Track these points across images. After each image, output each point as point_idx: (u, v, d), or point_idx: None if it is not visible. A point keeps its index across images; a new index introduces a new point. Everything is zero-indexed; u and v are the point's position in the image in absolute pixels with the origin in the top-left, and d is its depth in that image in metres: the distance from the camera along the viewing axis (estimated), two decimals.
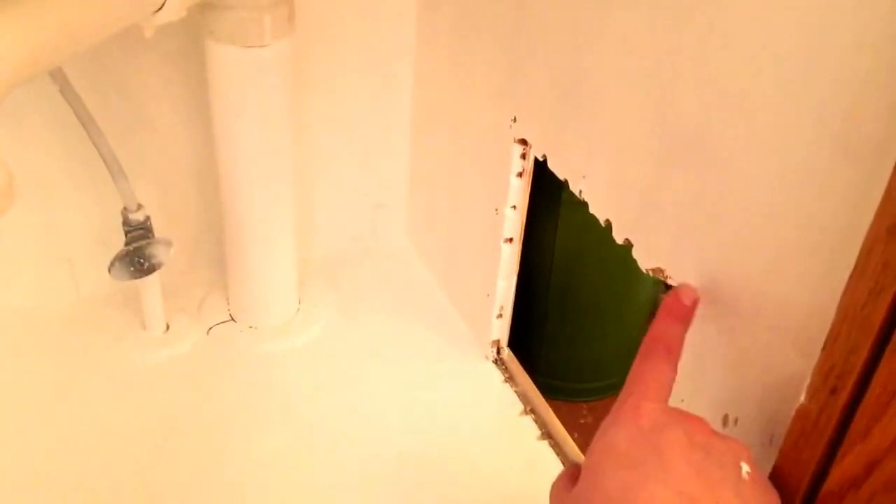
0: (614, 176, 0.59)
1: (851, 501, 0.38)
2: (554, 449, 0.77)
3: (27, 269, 0.85)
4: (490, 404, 0.83)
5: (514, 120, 0.72)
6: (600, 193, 0.62)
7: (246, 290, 0.86)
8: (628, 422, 0.41)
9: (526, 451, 0.77)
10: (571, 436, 0.78)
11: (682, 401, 0.55)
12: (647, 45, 0.53)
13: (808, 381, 0.39)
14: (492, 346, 0.86)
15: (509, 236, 0.79)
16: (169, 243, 0.78)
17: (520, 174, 0.75)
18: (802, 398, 0.39)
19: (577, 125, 0.63)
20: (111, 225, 0.78)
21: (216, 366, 0.83)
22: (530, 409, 0.81)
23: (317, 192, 0.95)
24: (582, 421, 1.36)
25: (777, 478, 0.42)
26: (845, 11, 0.38)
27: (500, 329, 0.86)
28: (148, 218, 0.77)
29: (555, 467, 0.75)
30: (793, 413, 0.40)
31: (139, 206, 0.76)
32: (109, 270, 0.75)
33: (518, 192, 0.76)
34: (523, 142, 0.72)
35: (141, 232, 0.76)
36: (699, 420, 0.42)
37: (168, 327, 0.85)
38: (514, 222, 0.78)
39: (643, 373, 0.44)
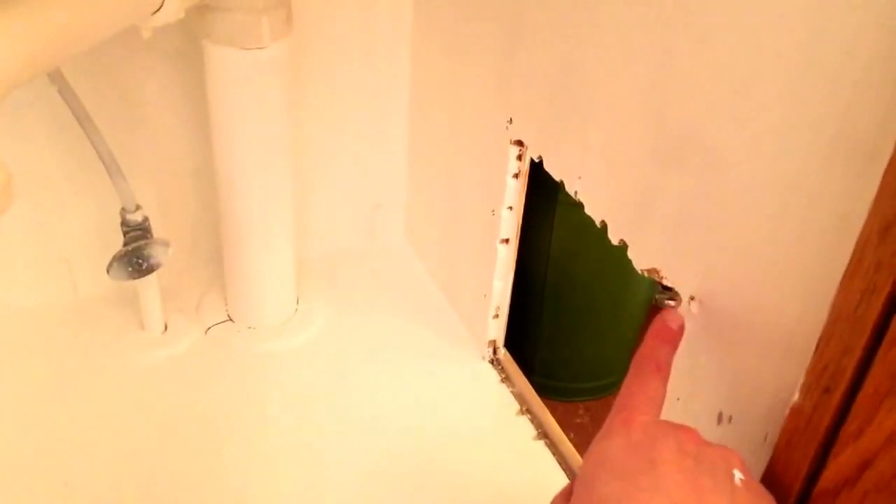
0: (610, 177, 0.60)
1: (845, 500, 0.38)
2: (550, 449, 0.78)
3: (25, 268, 0.86)
4: (486, 404, 0.83)
5: (510, 121, 0.72)
6: (596, 194, 0.62)
7: (244, 291, 0.87)
8: (620, 434, 0.42)
9: (522, 451, 0.78)
10: (567, 436, 0.79)
11: (678, 399, 0.55)
12: (642, 46, 0.53)
13: (801, 380, 0.39)
14: (488, 347, 0.87)
15: (505, 237, 0.79)
16: (167, 244, 0.78)
17: (516, 175, 0.75)
18: (796, 397, 0.40)
19: (572, 126, 0.63)
20: (109, 225, 0.79)
21: (214, 366, 0.83)
22: (526, 410, 0.82)
23: (315, 193, 0.95)
24: (578, 421, 1.36)
25: (771, 476, 0.43)
26: (840, 15, 0.38)
27: (497, 329, 0.86)
28: (146, 218, 0.77)
29: (551, 467, 0.76)
30: (787, 412, 0.41)
31: (137, 207, 0.76)
32: (108, 271, 0.75)
33: (514, 193, 0.76)
34: (519, 143, 0.72)
35: (139, 232, 0.77)
36: (690, 430, 0.42)
37: (166, 327, 0.85)
38: (510, 223, 0.78)
39: (633, 390, 0.45)
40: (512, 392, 0.84)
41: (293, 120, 0.78)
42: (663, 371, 0.46)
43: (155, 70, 0.80)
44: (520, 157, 0.74)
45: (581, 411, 1.38)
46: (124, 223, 0.76)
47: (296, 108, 0.81)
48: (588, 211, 0.63)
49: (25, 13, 0.47)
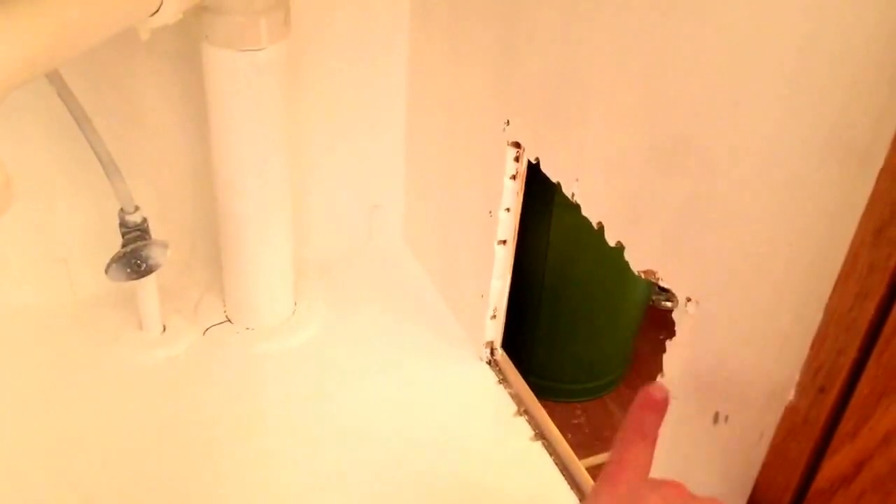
0: (607, 179, 0.60)
1: (841, 499, 0.38)
2: (547, 449, 0.78)
3: (24, 268, 0.86)
4: (484, 405, 0.83)
5: (508, 123, 0.72)
6: (593, 196, 0.62)
7: (242, 292, 0.87)
8: (605, 492, 0.43)
9: (519, 452, 0.78)
10: (565, 436, 0.79)
11: (675, 399, 0.55)
12: (638, 50, 0.54)
13: (796, 379, 0.39)
14: (486, 347, 0.87)
15: (503, 238, 0.79)
16: (165, 245, 0.78)
17: (513, 177, 0.75)
18: (791, 396, 0.40)
19: (569, 129, 0.64)
20: (108, 226, 0.79)
21: (212, 366, 0.84)
22: (524, 410, 0.82)
23: (313, 194, 0.95)
24: (575, 422, 1.36)
25: (767, 474, 0.43)
26: (833, 21, 0.38)
27: (494, 330, 0.86)
28: (145, 220, 0.77)
29: (548, 468, 0.76)
30: (782, 411, 0.41)
31: (136, 208, 0.76)
32: (106, 271, 0.75)
33: (511, 195, 0.76)
34: (516, 145, 0.73)
35: (138, 233, 0.77)
36: (676, 484, 0.43)
37: (164, 328, 0.85)
38: (507, 224, 0.78)
39: (620, 457, 0.46)
40: (509, 393, 0.84)
41: (291, 121, 0.79)
42: (649, 439, 0.47)
43: (153, 71, 0.80)
44: (517, 159, 0.74)
45: (578, 412, 1.38)
46: (123, 224, 0.76)
47: (294, 110, 0.81)
48: (585, 212, 0.63)
49: (24, 14, 0.47)
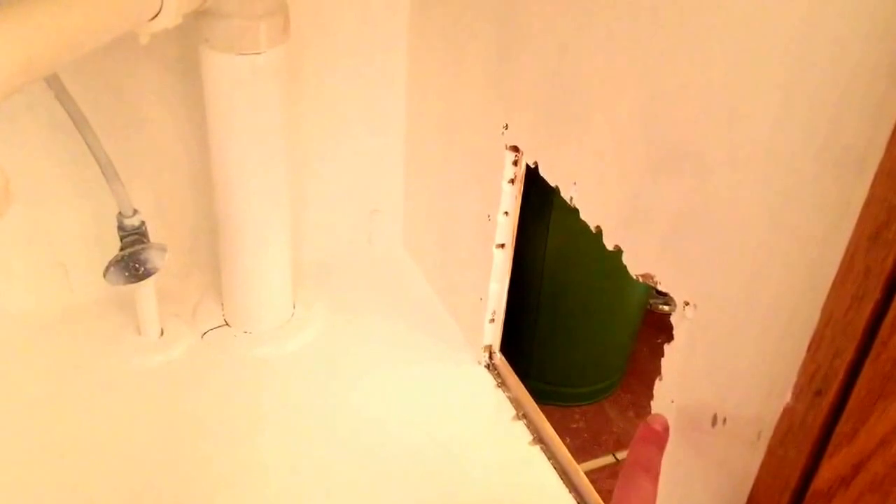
0: (604, 183, 0.60)
1: (840, 501, 0.38)
2: (546, 454, 0.78)
3: (22, 272, 0.86)
4: (483, 409, 0.83)
5: (506, 127, 0.73)
6: (591, 200, 0.62)
7: (241, 296, 0.87)
8: None
9: (518, 456, 0.78)
10: (563, 441, 0.79)
11: (672, 401, 0.55)
12: (636, 55, 0.54)
13: (793, 381, 0.40)
14: (484, 351, 0.87)
15: (501, 242, 0.79)
16: (164, 248, 0.78)
17: (512, 180, 0.75)
18: (789, 398, 0.40)
19: (567, 132, 0.64)
20: (106, 229, 0.79)
21: (210, 371, 0.84)
22: (522, 415, 0.82)
23: (312, 197, 0.95)
24: (574, 426, 1.36)
25: (765, 476, 0.43)
26: (828, 26, 0.39)
27: (493, 334, 0.86)
28: (143, 223, 0.77)
29: (547, 472, 0.76)
30: (779, 413, 0.41)
31: (134, 211, 0.76)
32: (104, 275, 0.75)
33: (510, 198, 0.77)
34: (515, 148, 0.73)
35: (136, 237, 0.77)
36: None
37: (162, 332, 0.85)
38: (506, 228, 0.79)
39: (626, 493, 0.46)
40: (508, 397, 0.84)
41: (290, 125, 0.79)
42: (653, 472, 0.47)
43: (152, 75, 0.80)
44: (515, 163, 0.74)
45: (577, 416, 1.38)
46: (121, 228, 0.76)
47: (293, 114, 0.81)
48: (583, 216, 0.63)
49: (22, 17, 0.47)
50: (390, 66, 0.90)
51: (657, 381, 0.57)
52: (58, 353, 0.83)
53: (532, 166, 0.70)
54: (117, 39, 0.57)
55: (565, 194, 0.65)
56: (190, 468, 0.74)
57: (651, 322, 1.40)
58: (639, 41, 0.53)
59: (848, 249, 0.35)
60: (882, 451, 0.35)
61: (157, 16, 0.58)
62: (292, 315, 0.90)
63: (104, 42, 0.55)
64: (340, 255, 1.01)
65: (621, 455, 1.26)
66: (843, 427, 0.36)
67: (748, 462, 0.45)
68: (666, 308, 1.46)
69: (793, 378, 0.40)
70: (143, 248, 0.77)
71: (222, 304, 0.89)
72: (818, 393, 0.37)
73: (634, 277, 0.58)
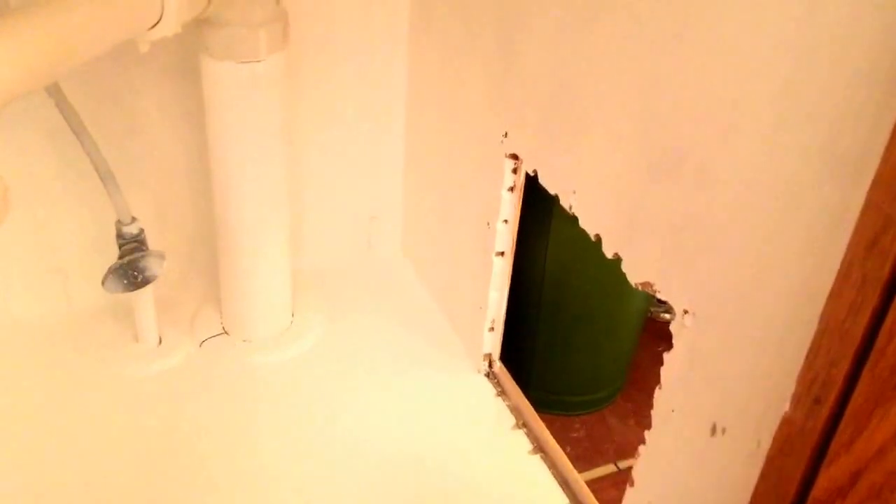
0: (604, 192, 0.60)
1: None
2: (546, 462, 0.77)
3: (20, 279, 0.86)
4: (482, 418, 0.83)
5: (506, 135, 0.73)
6: (590, 208, 0.62)
7: (239, 304, 0.87)
8: None
9: (518, 465, 0.78)
10: (564, 450, 0.78)
11: (673, 411, 0.55)
12: (634, 64, 0.54)
13: (792, 390, 0.39)
14: (484, 360, 0.87)
15: (501, 250, 0.79)
16: (162, 256, 0.78)
17: (511, 188, 0.75)
18: (787, 407, 0.40)
19: (567, 141, 0.64)
20: (105, 237, 0.79)
21: (208, 379, 0.83)
22: (522, 423, 0.82)
23: (312, 205, 0.95)
24: (574, 435, 1.36)
25: (764, 485, 0.43)
26: (825, 37, 0.39)
27: (493, 342, 0.86)
28: (142, 231, 0.77)
29: (547, 481, 0.76)
30: (778, 422, 0.41)
31: (133, 219, 0.76)
32: (103, 283, 0.75)
33: (509, 207, 0.77)
34: (514, 157, 0.73)
35: (135, 244, 0.77)
36: None
37: (161, 340, 0.85)
38: (505, 236, 0.78)
39: None
40: (508, 406, 0.84)
41: (289, 132, 0.79)
42: None
43: (152, 83, 0.81)
44: (515, 171, 0.74)
45: (577, 425, 1.37)
46: (120, 235, 0.76)
47: (292, 121, 0.81)
48: (583, 225, 0.63)
49: (24, 26, 0.48)
50: (390, 74, 0.91)
51: (657, 390, 0.57)
52: (56, 361, 0.83)
53: (532, 174, 0.70)
54: (117, 48, 0.57)
55: (565, 202, 0.65)
56: (187, 475, 0.73)
57: (652, 330, 1.39)
58: (638, 51, 0.53)
59: (845, 258, 0.35)
60: (880, 459, 0.35)
61: (157, 24, 0.59)
62: (291, 323, 0.90)
63: (105, 50, 0.56)
64: (339, 263, 1.01)
65: (622, 464, 1.26)
66: (841, 435, 0.36)
67: (747, 472, 0.45)
68: (667, 316, 1.45)
69: (791, 387, 0.40)
70: (141, 256, 0.77)
71: (221, 312, 0.89)
72: (817, 401, 0.37)
73: (634, 286, 0.58)
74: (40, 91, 0.67)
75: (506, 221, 0.77)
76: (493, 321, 0.84)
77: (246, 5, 0.68)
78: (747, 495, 0.45)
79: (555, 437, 0.80)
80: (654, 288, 0.56)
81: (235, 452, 0.76)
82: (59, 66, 0.53)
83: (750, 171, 0.45)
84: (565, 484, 0.75)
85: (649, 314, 1.41)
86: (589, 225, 0.62)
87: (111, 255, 0.77)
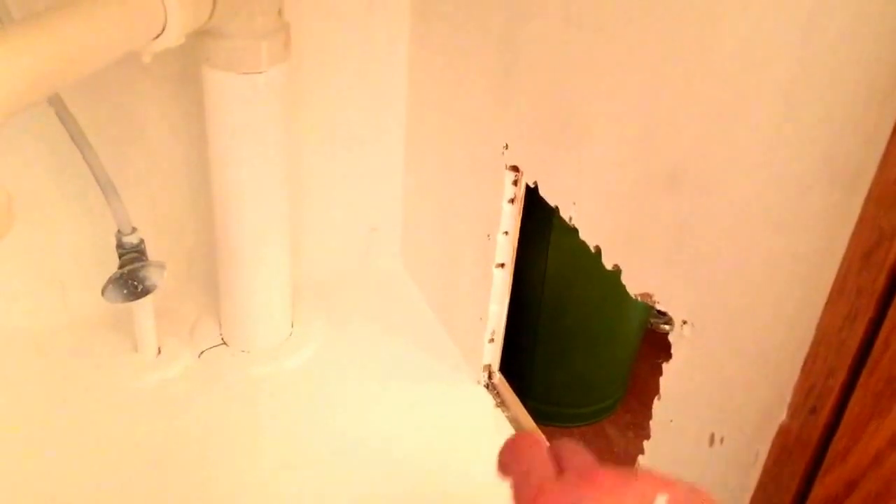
0: (604, 203, 0.60)
1: None
2: None
3: (19, 290, 0.86)
4: (482, 429, 0.83)
5: (507, 147, 0.73)
6: (590, 220, 0.63)
7: (239, 314, 0.87)
8: None
9: None
10: None
11: (671, 421, 0.55)
12: (634, 76, 0.54)
13: (788, 400, 0.40)
14: (483, 371, 0.87)
15: (501, 261, 0.79)
16: (162, 266, 0.79)
17: (511, 200, 0.76)
18: (784, 417, 0.40)
19: (567, 153, 0.64)
20: (104, 247, 0.79)
21: (207, 390, 0.83)
22: None
23: (311, 216, 0.95)
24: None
25: (762, 495, 0.43)
26: (824, 56, 0.39)
27: (492, 354, 0.86)
28: (142, 241, 0.77)
29: None
30: (775, 431, 0.41)
31: (133, 229, 0.77)
32: (103, 293, 0.76)
33: (510, 218, 0.77)
34: (515, 168, 0.73)
35: (135, 255, 0.77)
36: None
37: (160, 350, 0.85)
38: (505, 248, 0.79)
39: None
40: (507, 417, 0.84)
41: (290, 143, 0.79)
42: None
43: (153, 93, 0.81)
44: (515, 183, 0.74)
45: (577, 436, 1.37)
46: (120, 245, 0.77)
47: (292, 132, 0.81)
48: (583, 236, 0.63)
49: (27, 38, 0.48)
50: (390, 85, 0.91)
51: (656, 401, 0.57)
52: (54, 371, 0.83)
53: (532, 186, 0.71)
54: (118, 60, 0.57)
55: (565, 214, 0.65)
56: (186, 487, 0.73)
57: (652, 341, 1.39)
58: (639, 64, 0.54)
59: (840, 270, 0.35)
60: (875, 468, 0.35)
61: (160, 35, 0.59)
62: (290, 334, 0.90)
63: (108, 61, 0.56)
64: (339, 274, 1.01)
65: None
66: (837, 444, 0.36)
67: (746, 481, 0.45)
68: (667, 328, 1.46)
69: (788, 396, 0.40)
70: (141, 266, 0.77)
71: (220, 323, 0.89)
72: (812, 411, 0.37)
73: (633, 296, 0.58)
74: (41, 101, 0.68)
75: (506, 233, 0.78)
76: (493, 332, 0.84)
77: (248, 17, 0.68)
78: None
79: None
80: (654, 299, 0.56)
81: (234, 461, 0.76)
82: (63, 78, 0.53)
83: (749, 184, 0.45)
84: None
85: (649, 325, 1.41)
86: (589, 237, 0.63)
87: (110, 265, 0.77)
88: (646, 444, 0.59)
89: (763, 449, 0.43)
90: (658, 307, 0.56)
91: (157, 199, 0.86)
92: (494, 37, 0.72)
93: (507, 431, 0.82)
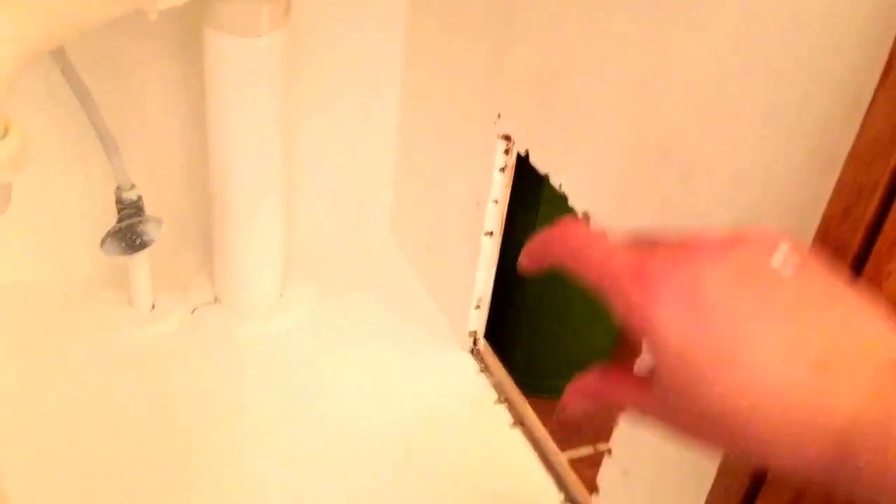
0: (593, 170, 0.62)
1: None
2: (526, 436, 0.80)
3: (17, 244, 0.87)
4: (465, 393, 0.85)
5: (499, 116, 0.74)
6: (579, 187, 0.64)
7: (231, 273, 0.88)
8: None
9: (499, 438, 0.80)
10: (548, 427, 0.81)
11: None
12: (628, 46, 0.56)
13: None
14: (469, 337, 0.89)
15: (490, 230, 0.81)
16: (160, 221, 0.80)
17: (502, 169, 0.77)
18: None
19: (559, 121, 0.66)
20: (102, 204, 0.80)
21: (198, 346, 0.85)
22: (504, 399, 0.84)
23: (303, 184, 0.96)
24: (562, 416, 1.38)
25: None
26: (818, 33, 0.41)
27: (478, 320, 0.88)
28: (140, 197, 0.78)
29: (527, 454, 0.78)
30: None
31: (132, 185, 0.78)
32: (101, 245, 0.77)
33: (500, 187, 0.78)
34: (507, 138, 0.75)
35: (133, 210, 0.78)
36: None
37: (154, 306, 0.87)
38: (494, 216, 0.80)
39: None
40: (491, 382, 0.86)
41: (287, 109, 0.80)
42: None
43: (154, 55, 0.82)
44: (507, 152, 0.76)
45: (559, 408, 1.39)
46: (119, 201, 0.78)
47: (287, 101, 0.82)
48: (571, 202, 0.65)
49: None
50: (385, 54, 0.92)
51: (637, 360, 0.59)
52: (50, 323, 0.85)
53: (523, 155, 0.72)
54: (124, 15, 0.58)
55: (555, 181, 0.67)
56: (173, 441, 0.75)
57: None
58: (632, 32, 0.55)
59: (820, 227, 0.37)
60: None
61: None
62: (280, 296, 0.92)
63: (115, 16, 0.57)
64: (329, 241, 1.02)
65: (602, 446, 1.28)
66: None
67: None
68: None
69: None
70: (139, 221, 0.78)
71: (213, 281, 0.91)
72: None
73: None
74: (46, 57, 0.68)
75: (496, 202, 0.79)
76: (480, 299, 0.86)
77: None
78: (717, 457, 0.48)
79: (542, 418, 0.82)
80: None
81: (221, 418, 0.78)
82: (70, 31, 0.54)
83: (740, 153, 0.47)
84: (543, 455, 0.78)
85: None
86: (577, 202, 0.64)
87: (106, 223, 0.78)
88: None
89: None
90: None
91: (154, 159, 0.87)
92: (490, 6, 0.73)
93: (490, 395, 0.84)
